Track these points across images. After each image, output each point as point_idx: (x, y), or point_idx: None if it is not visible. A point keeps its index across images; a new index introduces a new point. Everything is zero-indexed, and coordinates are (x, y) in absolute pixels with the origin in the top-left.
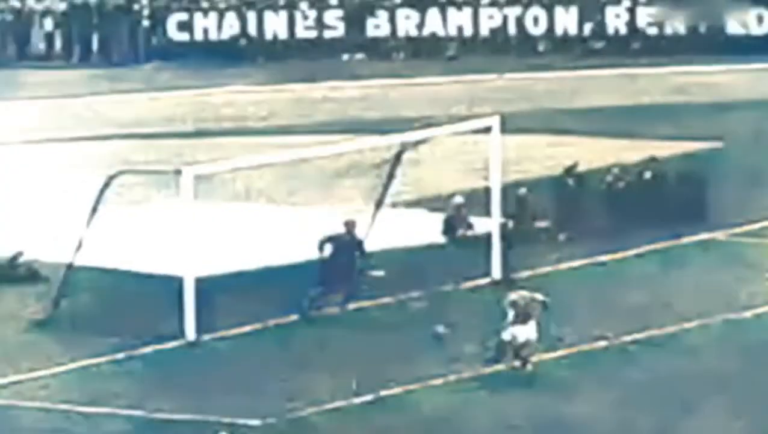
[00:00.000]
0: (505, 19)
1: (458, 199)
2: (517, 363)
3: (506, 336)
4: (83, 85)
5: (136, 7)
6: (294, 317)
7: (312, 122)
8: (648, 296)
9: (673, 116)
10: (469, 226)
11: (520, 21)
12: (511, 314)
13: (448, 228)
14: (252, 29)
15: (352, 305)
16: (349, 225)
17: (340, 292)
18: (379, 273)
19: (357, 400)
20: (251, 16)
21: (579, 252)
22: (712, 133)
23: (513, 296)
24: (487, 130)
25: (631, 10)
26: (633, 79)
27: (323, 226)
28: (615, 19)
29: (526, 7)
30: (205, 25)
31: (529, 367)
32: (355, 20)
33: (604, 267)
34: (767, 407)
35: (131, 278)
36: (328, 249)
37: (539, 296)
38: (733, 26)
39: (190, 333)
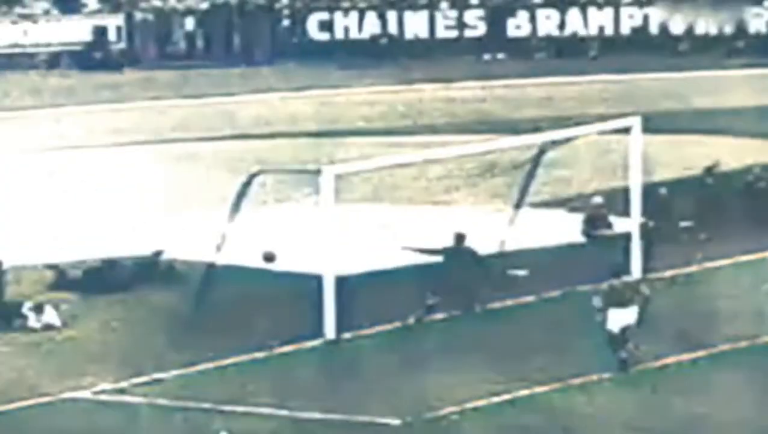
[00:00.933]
0: (645, 18)
1: (598, 199)
2: (624, 354)
3: (610, 325)
4: (223, 84)
5: (277, 6)
6: (438, 315)
7: (452, 122)
8: None
9: None
10: (609, 225)
11: (661, 21)
12: (600, 300)
13: (588, 228)
14: (392, 29)
15: (494, 304)
16: (460, 238)
17: (456, 303)
18: (521, 272)
19: (496, 399)
20: (392, 16)
21: (720, 252)
22: None
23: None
24: (628, 130)
25: None
26: None
27: (461, 225)
28: (756, 19)
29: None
30: (345, 24)
31: (635, 352)
32: (495, 20)
33: (745, 267)
34: None
35: (271, 277)
36: (441, 260)
37: (645, 289)
38: None
39: (330, 331)
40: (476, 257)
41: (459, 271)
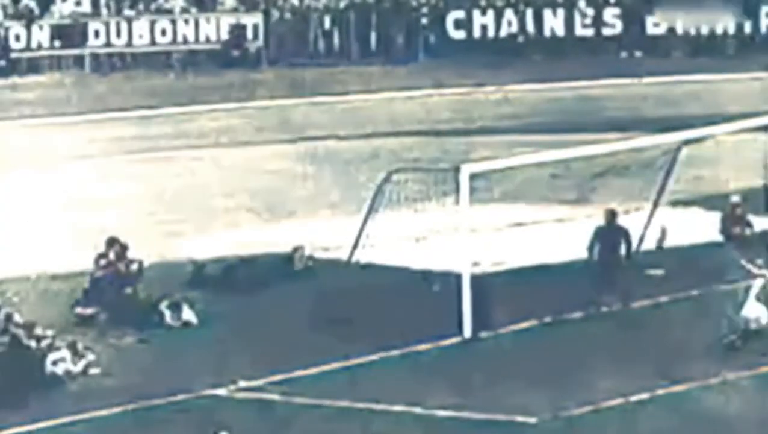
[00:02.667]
0: None
1: (735, 198)
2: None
3: (748, 312)
4: (361, 82)
5: (414, 4)
6: (575, 314)
7: (587, 120)
8: None
9: None
10: (748, 224)
11: None
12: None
13: (726, 227)
14: (530, 26)
15: (633, 304)
16: (610, 214)
17: (614, 290)
18: (658, 272)
19: (633, 398)
20: (529, 13)
21: None
22: None
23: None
24: (767, 128)
25: None
26: None
27: (593, 224)
28: None
29: None
30: (483, 22)
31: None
32: (633, 18)
33: None
34: None
35: (409, 275)
36: (597, 248)
37: None
38: None
39: (467, 330)
40: (628, 238)
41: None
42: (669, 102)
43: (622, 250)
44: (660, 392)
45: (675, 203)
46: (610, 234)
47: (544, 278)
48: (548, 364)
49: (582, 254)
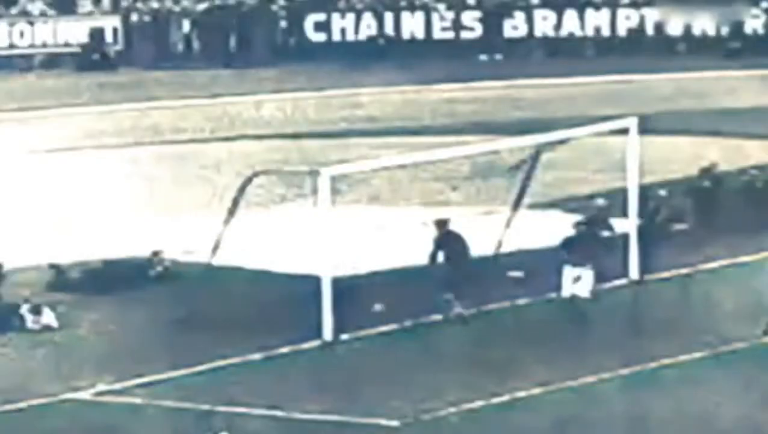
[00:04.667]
0: (642, 19)
1: (600, 201)
2: None
3: None
4: (220, 85)
5: (273, 7)
6: (433, 317)
7: (448, 123)
8: None
9: None
10: (610, 227)
11: (658, 22)
12: None
13: (589, 229)
14: (389, 30)
15: (491, 306)
16: (441, 224)
17: (467, 295)
18: (518, 274)
19: (495, 400)
20: (388, 17)
21: (718, 253)
22: None
23: None
24: (625, 131)
25: None
26: None
27: (458, 226)
28: (753, 20)
29: (664, 8)
30: (342, 25)
31: None
32: (492, 21)
33: (742, 268)
34: None
35: (268, 278)
36: (441, 256)
37: None
38: None
39: (328, 332)
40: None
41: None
42: (528, 105)
43: (466, 255)
44: (520, 394)
45: (535, 206)
46: (448, 242)
47: (405, 280)
48: (409, 367)
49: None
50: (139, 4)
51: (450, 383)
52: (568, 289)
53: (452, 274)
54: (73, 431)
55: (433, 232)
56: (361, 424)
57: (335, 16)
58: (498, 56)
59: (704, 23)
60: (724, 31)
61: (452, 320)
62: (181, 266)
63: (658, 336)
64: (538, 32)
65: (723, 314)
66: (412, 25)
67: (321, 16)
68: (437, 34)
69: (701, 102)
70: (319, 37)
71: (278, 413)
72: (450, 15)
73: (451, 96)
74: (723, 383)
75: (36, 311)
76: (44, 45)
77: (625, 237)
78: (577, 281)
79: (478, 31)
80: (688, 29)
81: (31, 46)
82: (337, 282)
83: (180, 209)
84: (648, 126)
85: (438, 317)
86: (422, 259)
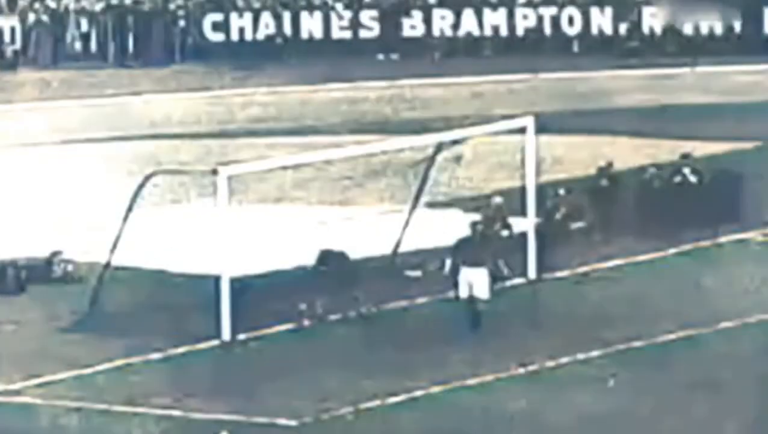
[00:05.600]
0: (540, 19)
1: (497, 199)
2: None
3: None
4: (118, 85)
5: (171, 6)
6: (332, 317)
7: (347, 122)
8: (685, 295)
9: (710, 115)
10: (507, 226)
11: (555, 21)
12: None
13: (487, 228)
14: (287, 29)
15: (389, 305)
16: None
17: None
18: (416, 274)
19: (391, 400)
20: (286, 16)
21: (615, 252)
22: (749, 132)
23: None
24: (523, 130)
25: (667, 10)
26: (669, 79)
27: (356, 226)
28: (650, 19)
29: (561, 7)
30: (240, 25)
31: None
32: (390, 20)
33: (640, 267)
34: None
35: (167, 278)
36: (319, 261)
37: None
38: None
39: (226, 332)
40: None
41: (339, 274)
42: (426, 104)
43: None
44: (418, 393)
45: (434, 205)
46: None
47: (303, 280)
48: (308, 366)
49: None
50: (37, 4)
51: (348, 382)
52: (465, 291)
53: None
54: None
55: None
56: (259, 424)
57: (233, 15)
58: (394, 56)
59: (602, 23)
60: (622, 30)
61: (351, 320)
62: (80, 267)
63: (556, 334)
64: (436, 31)
65: (619, 313)
66: (311, 24)
67: (219, 16)
68: (335, 33)
69: (598, 101)
70: (218, 36)
71: (177, 413)
72: (348, 14)
73: (350, 95)
74: (620, 381)
75: None
76: None
77: (523, 236)
78: (475, 283)
79: (376, 30)
80: (585, 28)
81: None
82: (235, 282)
83: (78, 208)
84: (545, 125)
85: (336, 316)
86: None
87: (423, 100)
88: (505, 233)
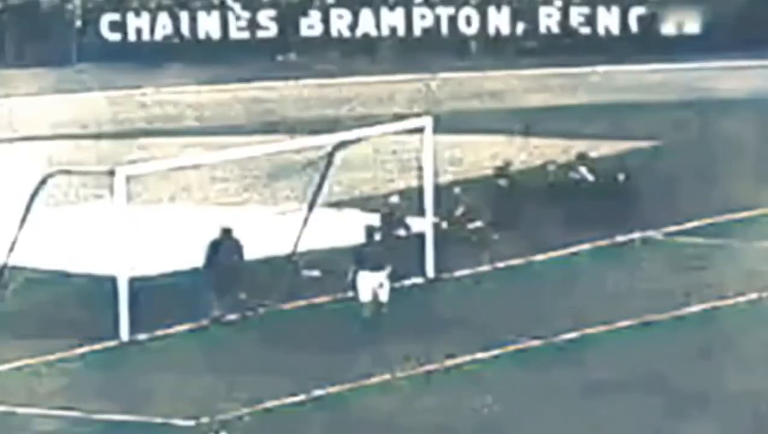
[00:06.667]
0: (437, 19)
1: (394, 199)
2: None
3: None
4: (16, 84)
5: (69, 7)
6: (230, 317)
7: (245, 123)
8: (582, 295)
9: (607, 115)
10: (405, 226)
11: (452, 21)
12: None
13: (384, 228)
14: (185, 29)
15: (288, 305)
16: (224, 232)
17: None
18: (314, 273)
19: (290, 399)
20: (184, 17)
21: (513, 252)
22: (646, 132)
23: None
24: (421, 130)
25: (564, 10)
26: (566, 79)
27: (254, 226)
28: (547, 19)
29: (459, 7)
30: (137, 25)
31: None
32: (288, 21)
33: (537, 266)
34: (694, 405)
35: (65, 279)
36: (212, 256)
37: None
38: (667, 26)
39: (124, 333)
40: (241, 252)
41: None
42: (324, 104)
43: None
44: (318, 392)
45: (333, 205)
46: (225, 248)
47: (201, 280)
48: (206, 367)
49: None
50: None
51: (245, 382)
52: (365, 295)
53: (219, 277)
54: None
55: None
56: (156, 424)
57: (130, 15)
58: (292, 55)
59: (499, 22)
60: (519, 30)
61: (249, 320)
62: None
63: (455, 334)
64: (333, 31)
65: (517, 312)
66: (208, 24)
67: (116, 16)
68: (233, 33)
69: (496, 101)
70: (115, 36)
71: (75, 413)
72: (246, 14)
73: (248, 95)
74: (519, 381)
75: None
76: None
77: (421, 236)
78: (374, 286)
79: (274, 30)
80: (483, 28)
81: None
82: (133, 282)
83: None
84: (444, 125)
85: (234, 316)
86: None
87: (321, 100)
88: (402, 233)
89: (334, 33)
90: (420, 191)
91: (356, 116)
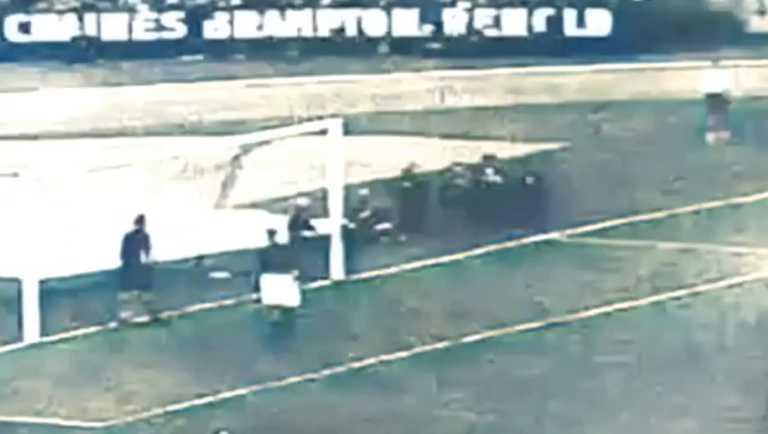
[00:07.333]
0: (344, 21)
1: (302, 201)
2: None
3: None
4: None
5: None
6: (138, 319)
7: (151, 124)
8: (489, 296)
9: (514, 116)
10: (310, 228)
11: (359, 23)
12: None
13: (291, 229)
14: (91, 31)
15: (196, 306)
16: (139, 221)
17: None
18: (223, 275)
19: (198, 401)
20: (90, 18)
21: (419, 253)
22: (552, 134)
23: None
24: (328, 132)
25: (470, 11)
26: (473, 81)
27: (162, 228)
28: (453, 21)
29: (366, 8)
30: (43, 26)
31: None
32: (193, 22)
33: (444, 268)
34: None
35: None
36: (123, 250)
37: None
38: (571, 27)
39: (31, 334)
40: (148, 242)
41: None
42: (231, 106)
43: (149, 254)
44: (225, 394)
45: (241, 206)
46: (136, 240)
47: (108, 282)
48: (113, 368)
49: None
50: None
51: (153, 384)
52: (269, 297)
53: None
54: None
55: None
56: (64, 427)
57: (36, 17)
58: (199, 57)
59: (406, 24)
60: (425, 31)
61: (158, 322)
62: None
63: (362, 336)
64: (239, 33)
65: (426, 314)
66: (115, 25)
67: (22, 17)
68: (139, 35)
69: (403, 103)
70: (21, 38)
71: None
72: (152, 15)
73: (155, 98)
74: (424, 382)
75: None
76: None
77: (328, 238)
78: (280, 289)
79: (180, 32)
80: (389, 30)
81: None
82: (41, 284)
83: None
84: (352, 127)
85: (142, 318)
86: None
87: (227, 103)
88: (308, 234)
89: (240, 35)
90: (327, 192)
91: (263, 118)
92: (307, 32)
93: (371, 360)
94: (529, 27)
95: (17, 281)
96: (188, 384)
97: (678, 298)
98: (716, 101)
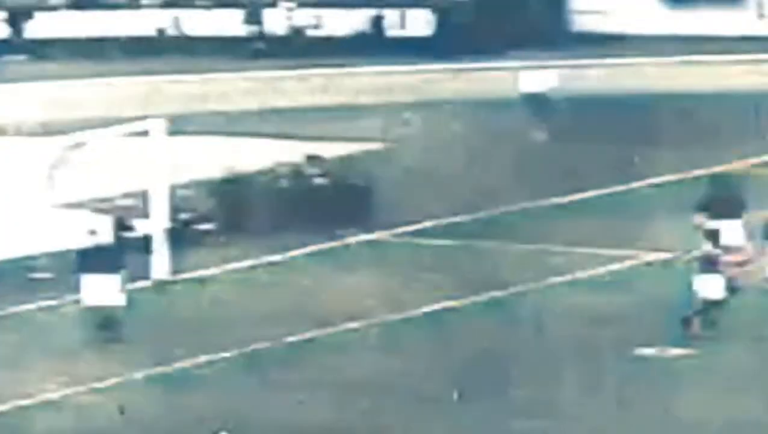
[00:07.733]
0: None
1: (125, 200)
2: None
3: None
4: None
5: None
6: None
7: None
8: (312, 296)
9: (336, 116)
10: (130, 228)
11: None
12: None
13: (115, 229)
14: None
15: (19, 308)
16: None
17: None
18: (45, 275)
19: (19, 403)
20: None
21: (241, 254)
22: (375, 134)
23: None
24: (152, 132)
25: (292, 11)
26: (297, 81)
27: None
28: (275, 21)
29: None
30: None
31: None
32: (16, 22)
33: (268, 268)
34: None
35: None
36: None
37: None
38: (394, 28)
39: None
40: None
41: None
42: (57, 105)
43: None
44: (50, 396)
45: (63, 206)
46: None
47: None
48: None
49: None
50: None
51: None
52: (90, 298)
53: None
54: None
55: None
56: None
57: None
58: (22, 57)
59: (228, 24)
60: (249, 32)
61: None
62: None
63: (185, 336)
64: (62, 33)
65: (247, 315)
66: None
67: None
68: None
69: (226, 103)
70: None
71: None
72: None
73: None
74: (246, 383)
75: None
76: None
77: (150, 238)
78: (101, 289)
79: (4, 32)
80: (213, 30)
81: None
82: None
83: None
84: (174, 128)
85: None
86: None
87: (50, 102)
88: (128, 234)
89: (62, 35)
90: (151, 192)
91: (87, 118)
92: (129, 32)
93: (192, 361)
94: (352, 27)
95: None
96: (8, 387)
97: (498, 298)
98: (536, 101)
